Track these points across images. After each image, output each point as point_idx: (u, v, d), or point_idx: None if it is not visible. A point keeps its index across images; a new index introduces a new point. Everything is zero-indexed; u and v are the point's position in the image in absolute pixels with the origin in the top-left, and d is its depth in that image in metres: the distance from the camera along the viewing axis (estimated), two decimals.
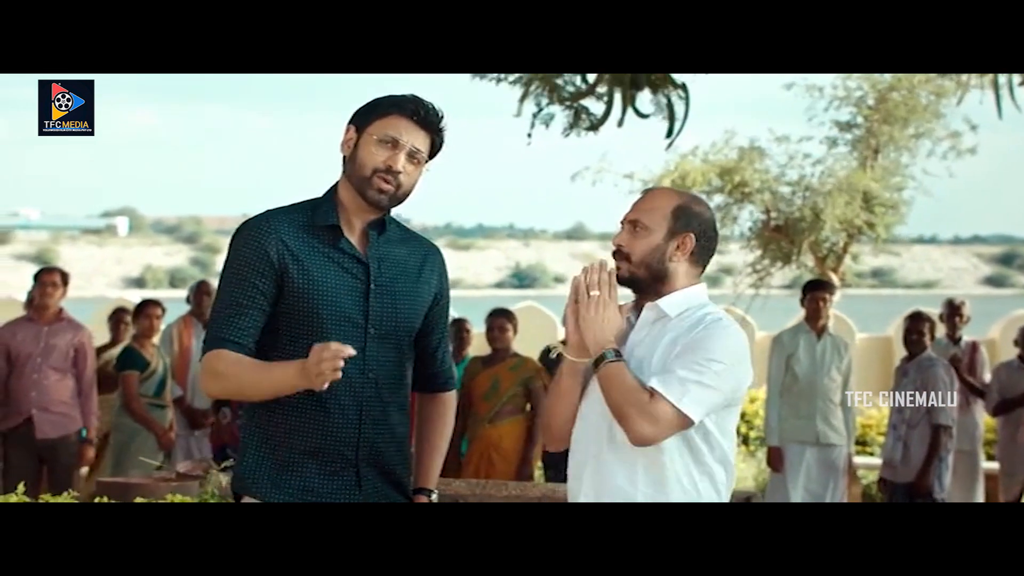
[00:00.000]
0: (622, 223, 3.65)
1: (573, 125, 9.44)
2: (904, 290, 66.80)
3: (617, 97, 9.13)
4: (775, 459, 8.81)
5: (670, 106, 9.17)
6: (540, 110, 9.35)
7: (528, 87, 9.20)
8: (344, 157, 3.65)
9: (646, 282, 3.60)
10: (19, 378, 8.25)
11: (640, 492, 3.50)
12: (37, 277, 8.47)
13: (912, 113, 12.56)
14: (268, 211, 3.64)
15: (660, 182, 12.54)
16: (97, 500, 4.96)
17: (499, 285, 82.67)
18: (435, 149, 3.68)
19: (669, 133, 9.18)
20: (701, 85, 8.96)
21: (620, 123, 9.22)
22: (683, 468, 3.54)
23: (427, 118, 3.62)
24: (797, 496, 8.68)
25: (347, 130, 3.65)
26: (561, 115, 9.44)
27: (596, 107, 9.42)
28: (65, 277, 8.50)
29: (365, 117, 3.63)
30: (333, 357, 3.30)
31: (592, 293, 3.56)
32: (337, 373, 3.33)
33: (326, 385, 3.35)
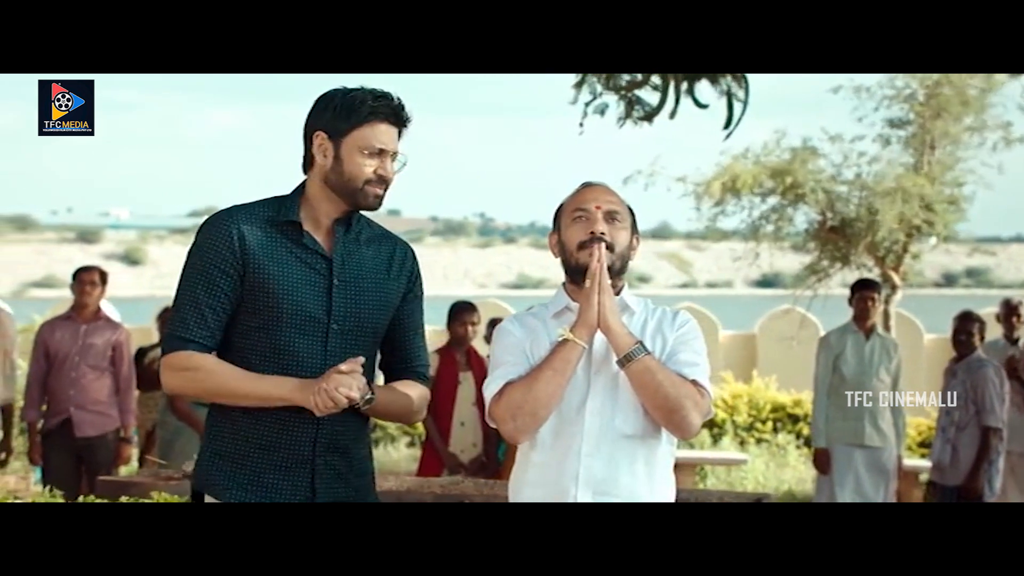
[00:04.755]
0: (585, 210, 3.60)
1: (627, 115, 9.30)
2: (996, 290, 65.53)
3: (671, 88, 8.99)
4: (821, 461, 8.70)
5: (729, 96, 8.98)
6: (593, 99, 9.21)
7: (584, 76, 9.08)
8: (316, 160, 3.60)
9: (614, 274, 3.59)
10: (58, 376, 8.33)
11: (641, 487, 3.53)
12: (76, 276, 8.55)
13: (964, 106, 12.30)
14: (233, 206, 3.62)
15: (711, 184, 12.39)
16: (82, 499, 5.00)
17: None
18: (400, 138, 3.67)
19: (727, 124, 8.96)
20: (753, 85, 8.75)
21: (672, 115, 9.05)
22: (666, 461, 3.62)
23: (402, 116, 3.61)
24: (845, 498, 8.55)
25: (316, 135, 3.59)
26: (615, 105, 9.30)
27: (651, 97, 9.27)
28: (104, 276, 8.57)
29: (341, 123, 3.56)
30: (349, 381, 3.38)
31: (606, 281, 3.52)
32: (343, 400, 3.37)
33: (326, 410, 3.39)
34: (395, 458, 12.72)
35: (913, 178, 12.13)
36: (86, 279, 8.45)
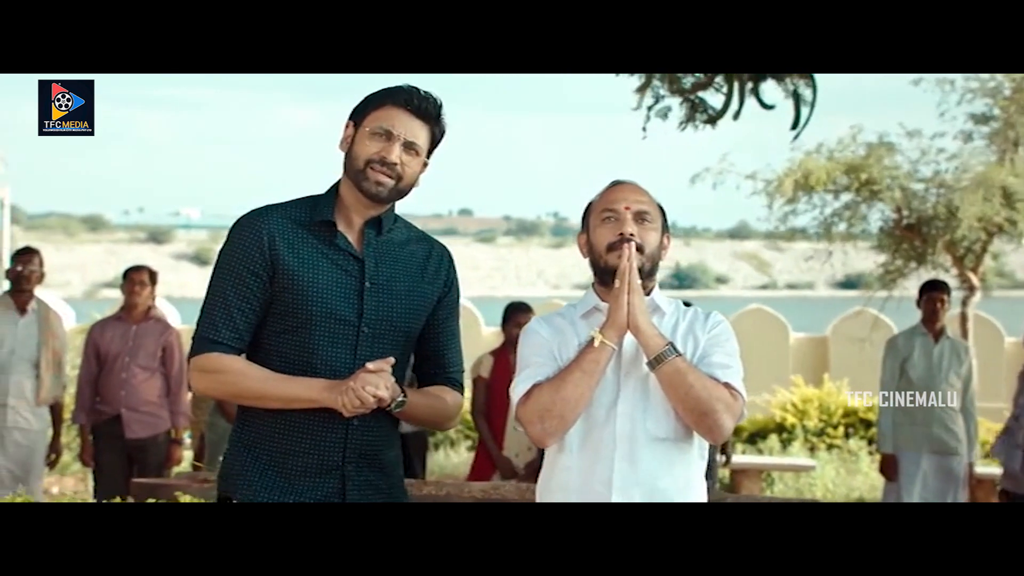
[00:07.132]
0: (614, 211, 3.53)
1: (690, 119, 9.10)
2: None
3: (735, 90, 8.79)
4: (888, 467, 8.52)
5: (796, 96, 8.75)
6: (656, 102, 9.02)
7: (648, 79, 8.90)
8: (344, 155, 3.57)
9: (645, 275, 3.52)
10: (108, 377, 8.28)
11: (672, 491, 3.47)
12: (126, 276, 8.50)
13: None
14: (266, 206, 3.57)
15: (783, 181, 12.17)
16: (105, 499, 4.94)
17: (659, 286, 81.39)
18: (435, 141, 3.59)
19: (795, 125, 8.74)
20: (828, 80, 8.53)
21: (736, 116, 8.85)
22: (698, 464, 3.55)
23: (422, 108, 3.52)
24: None
25: (345, 127, 3.57)
26: (678, 108, 9.11)
27: (715, 100, 9.08)
28: (153, 276, 8.54)
29: (361, 111, 3.55)
30: (377, 380, 3.32)
31: (636, 281, 3.45)
32: (371, 400, 3.31)
33: (354, 410, 3.33)
34: (455, 462, 12.59)
35: (996, 170, 11.76)
36: (135, 279, 8.41)
